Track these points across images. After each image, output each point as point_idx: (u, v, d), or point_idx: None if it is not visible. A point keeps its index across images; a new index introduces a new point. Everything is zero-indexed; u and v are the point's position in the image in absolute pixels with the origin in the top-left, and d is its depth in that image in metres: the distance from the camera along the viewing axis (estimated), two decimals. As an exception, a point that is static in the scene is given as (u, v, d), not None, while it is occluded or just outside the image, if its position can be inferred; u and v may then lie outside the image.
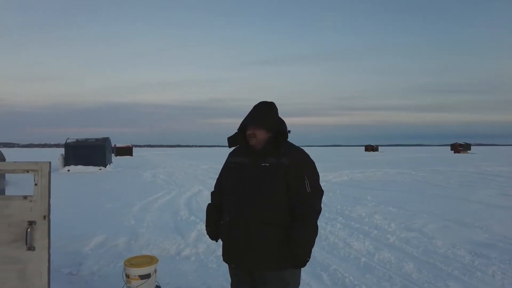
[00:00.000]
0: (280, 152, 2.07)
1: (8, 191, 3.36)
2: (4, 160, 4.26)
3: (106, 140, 22.76)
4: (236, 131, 2.23)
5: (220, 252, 4.77)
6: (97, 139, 22.54)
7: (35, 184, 2.51)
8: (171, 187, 12.53)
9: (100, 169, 20.75)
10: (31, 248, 2.45)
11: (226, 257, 2.22)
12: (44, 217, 2.51)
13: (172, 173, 18.83)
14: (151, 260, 2.77)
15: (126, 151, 45.25)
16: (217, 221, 2.32)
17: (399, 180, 14.30)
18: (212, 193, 2.41)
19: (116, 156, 39.39)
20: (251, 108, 2.21)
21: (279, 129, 2.16)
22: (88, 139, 22.57)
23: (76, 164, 20.60)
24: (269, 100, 2.22)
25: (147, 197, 9.80)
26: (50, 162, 2.57)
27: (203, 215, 8.44)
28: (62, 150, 22.47)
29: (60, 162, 20.55)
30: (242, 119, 2.20)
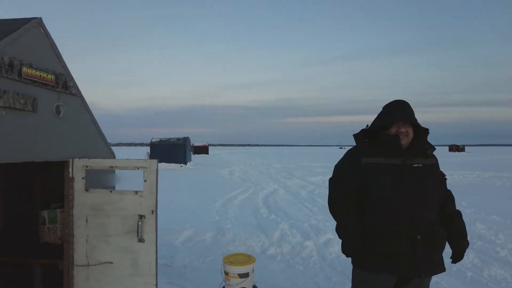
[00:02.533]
0: (428, 153, 2.02)
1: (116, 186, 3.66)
2: (114, 157, 4.68)
3: (186, 139, 24.29)
4: (366, 127, 2.12)
5: (305, 253, 4.72)
6: (178, 139, 24.19)
7: (144, 181, 2.68)
8: (248, 184, 12.81)
9: (181, 166, 22.20)
10: (141, 240, 2.63)
11: (390, 267, 1.90)
12: (152, 211, 2.66)
13: (247, 171, 19.28)
14: (248, 259, 2.78)
15: (203, 149, 47.88)
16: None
17: (498, 185, 12.65)
18: (346, 201, 2.01)
19: (194, 154, 41.85)
20: (387, 106, 2.08)
21: (420, 128, 2.03)
22: (170, 138, 24.35)
23: (160, 162, 22.37)
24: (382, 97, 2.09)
25: (227, 194, 10.14)
26: (157, 160, 2.72)
27: (283, 215, 8.23)
28: (147, 149, 24.55)
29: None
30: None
